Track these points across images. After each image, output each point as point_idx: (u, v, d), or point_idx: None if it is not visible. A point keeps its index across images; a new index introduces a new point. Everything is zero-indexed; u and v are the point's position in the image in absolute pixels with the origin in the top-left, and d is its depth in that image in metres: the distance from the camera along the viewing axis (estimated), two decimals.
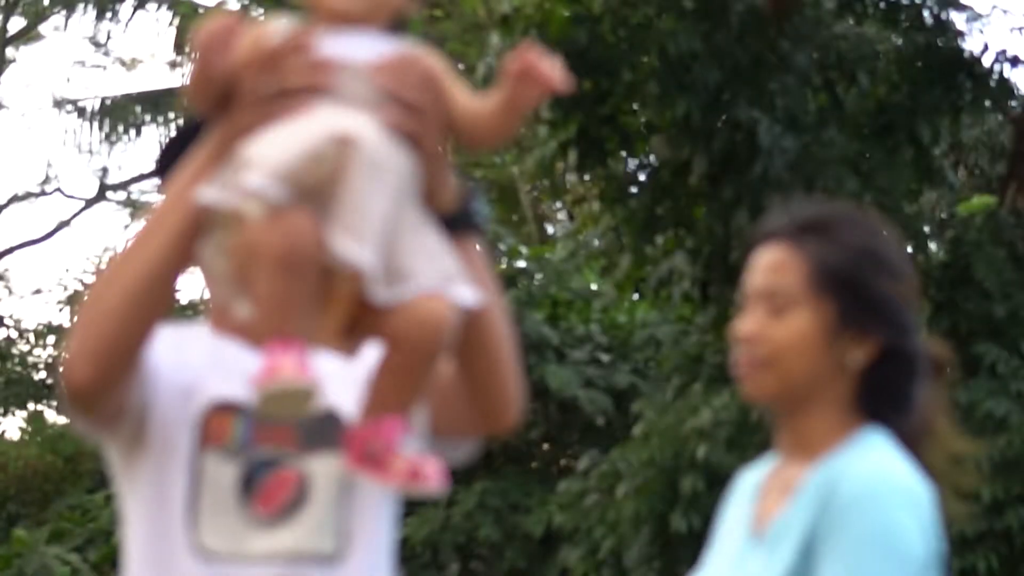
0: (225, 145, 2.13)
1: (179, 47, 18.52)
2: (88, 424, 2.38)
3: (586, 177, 10.34)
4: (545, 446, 13.57)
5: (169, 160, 2.49)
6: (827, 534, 2.29)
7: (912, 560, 2.27)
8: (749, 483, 2.60)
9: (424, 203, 2.14)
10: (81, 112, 18.67)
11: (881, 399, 2.45)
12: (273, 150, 2.04)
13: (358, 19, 2.13)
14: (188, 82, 2.15)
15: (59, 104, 19.59)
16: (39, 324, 19.24)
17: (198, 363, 2.45)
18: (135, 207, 20.63)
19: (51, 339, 18.78)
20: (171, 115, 17.76)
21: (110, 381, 2.27)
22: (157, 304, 2.23)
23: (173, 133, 2.61)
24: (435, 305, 2.08)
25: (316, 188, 2.03)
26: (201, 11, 18.41)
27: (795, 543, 2.34)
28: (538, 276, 13.53)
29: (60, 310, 20.91)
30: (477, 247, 2.27)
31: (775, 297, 2.44)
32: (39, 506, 14.31)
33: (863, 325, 2.43)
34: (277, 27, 2.14)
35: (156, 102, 17.82)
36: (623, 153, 10.18)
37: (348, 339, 2.16)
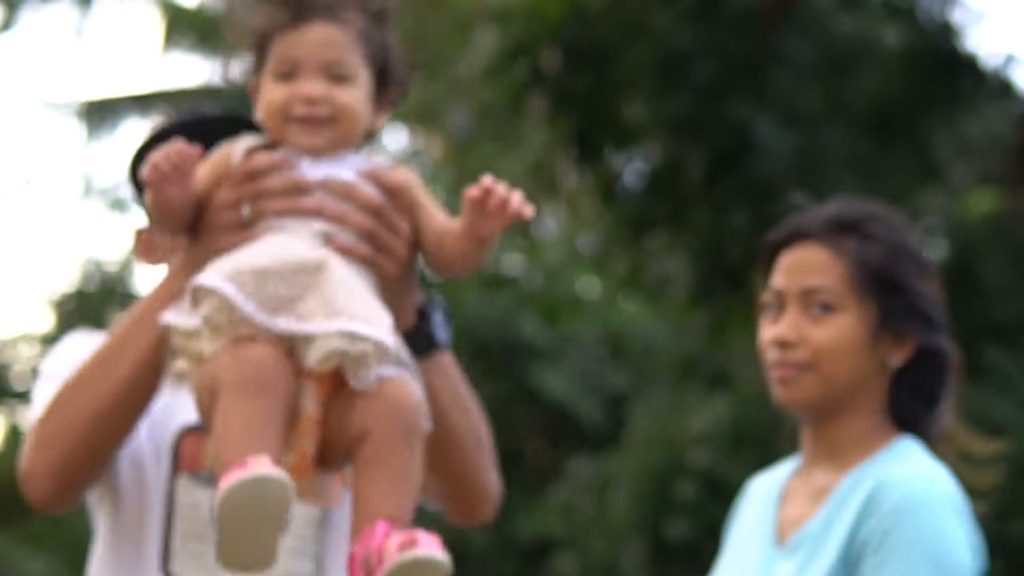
0: (197, 266, 2.05)
1: (164, 44, 18.43)
2: None
3: (580, 175, 10.29)
4: (537, 451, 13.57)
5: (141, 164, 2.38)
6: (875, 543, 2.29)
7: (961, 570, 2.28)
8: (766, 489, 2.56)
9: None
10: (64, 110, 18.60)
11: (914, 401, 2.44)
12: (233, 259, 1.98)
13: (326, 151, 2.08)
14: (147, 208, 2.08)
15: (42, 102, 19.49)
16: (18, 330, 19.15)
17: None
18: (119, 208, 20.59)
19: (31, 345, 18.69)
20: (157, 115, 17.69)
21: (72, 495, 2.24)
22: (124, 425, 2.19)
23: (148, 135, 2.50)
24: (400, 386, 1.99)
25: (275, 297, 1.96)
26: (187, 7, 18.30)
27: (836, 550, 2.32)
28: (531, 277, 13.53)
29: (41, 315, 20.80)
30: (446, 358, 2.24)
31: (815, 298, 2.40)
32: (16, 515, 14.40)
33: (903, 325, 2.41)
34: (242, 145, 2.10)
35: (142, 101, 17.74)
36: (618, 151, 10.12)
37: (319, 475, 2.05)
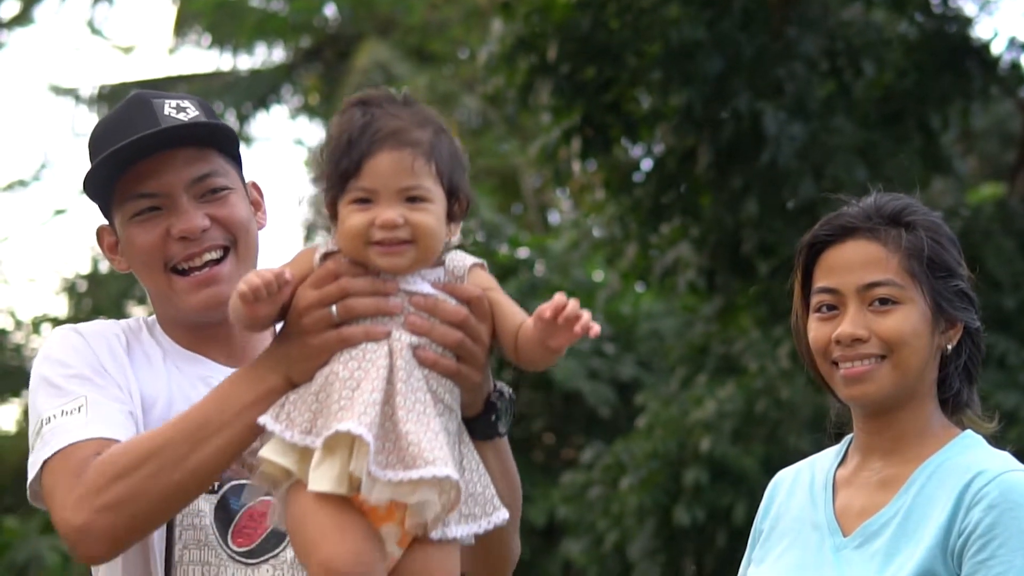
0: (289, 365, 2.14)
1: (176, 32, 18.43)
2: None
3: (590, 165, 10.26)
4: (548, 438, 13.55)
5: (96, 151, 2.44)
6: (981, 535, 2.31)
7: None
8: (807, 481, 2.55)
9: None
10: (78, 98, 18.61)
11: (961, 383, 2.47)
12: (355, 402, 2.07)
13: (406, 272, 2.16)
14: (234, 317, 2.17)
15: (56, 90, 19.51)
16: (34, 314, 19.17)
17: (162, 389, 2.40)
18: None
19: (46, 329, 18.71)
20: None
21: (120, 553, 2.27)
22: (192, 499, 2.25)
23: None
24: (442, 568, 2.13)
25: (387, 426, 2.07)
26: None
27: (930, 539, 2.34)
28: (540, 265, 13.49)
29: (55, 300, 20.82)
30: (502, 442, 2.31)
31: (876, 293, 2.40)
32: None
33: (954, 309, 2.43)
34: (319, 250, 2.18)
35: (153, 88, 17.76)
36: (627, 141, 10.10)
37: None
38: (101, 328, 2.46)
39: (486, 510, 2.14)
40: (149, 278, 2.44)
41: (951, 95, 10.01)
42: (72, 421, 2.30)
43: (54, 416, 2.31)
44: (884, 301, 2.40)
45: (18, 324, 18.64)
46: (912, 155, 10.03)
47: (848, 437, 2.55)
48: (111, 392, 2.35)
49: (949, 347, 2.44)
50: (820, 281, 2.45)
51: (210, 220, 2.41)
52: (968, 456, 2.39)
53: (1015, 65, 10.28)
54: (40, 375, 2.38)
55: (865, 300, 2.41)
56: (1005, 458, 2.40)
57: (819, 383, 2.51)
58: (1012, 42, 10.27)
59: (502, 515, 2.15)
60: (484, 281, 2.20)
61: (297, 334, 2.15)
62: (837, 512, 2.46)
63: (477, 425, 2.22)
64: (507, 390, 2.29)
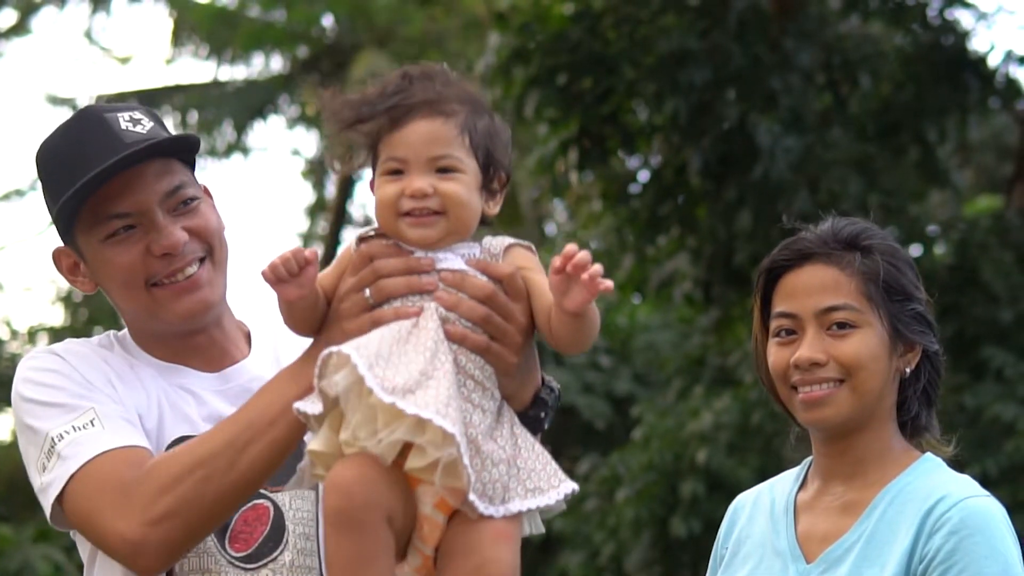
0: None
1: (173, 42, 18.46)
2: None
3: (587, 176, 10.27)
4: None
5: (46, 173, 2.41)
6: (942, 562, 2.32)
7: None
8: (767, 504, 2.55)
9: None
10: (75, 108, 18.63)
11: (920, 406, 2.47)
12: (358, 340, 2.05)
13: (438, 244, 2.14)
14: (282, 317, 2.16)
15: (53, 100, 19.52)
16: (30, 324, 19.15)
17: (149, 400, 2.40)
18: None
19: (42, 339, 18.71)
20: (165, 112, 17.70)
21: (177, 561, 2.27)
22: (243, 502, 2.26)
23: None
24: (500, 544, 2.07)
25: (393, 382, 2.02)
26: (195, 4, 18.31)
27: (894, 565, 2.35)
28: None
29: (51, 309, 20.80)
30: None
31: (834, 317, 2.41)
32: (29, 508, 14.45)
33: (912, 333, 2.44)
34: (355, 235, 2.17)
35: (151, 98, 17.76)
36: (624, 152, 10.11)
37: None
38: (76, 348, 2.44)
39: (552, 483, 2.08)
40: (128, 296, 2.42)
41: (948, 108, 10.04)
42: (88, 435, 2.29)
43: (66, 432, 2.30)
44: (842, 325, 2.41)
45: (14, 334, 18.61)
46: (909, 168, 10.04)
47: (807, 460, 2.55)
48: (112, 405, 2.34)
49: (908, 370, 2.45)
50: (778, 306, 2.46)
51: (187, 233, 2.40)
52: (930, 480, 2.40)
53: (1011, 78, 10.31)
54: (29, 398, 2.37)
55: (823, 324, 2.42)
56: (967, 483, 2.40)
57: (779, 407, 2.51)
58: (1009, 55, 10.29)
59: (570, 486, 2.10)
60: (522, 260, 2.17)
61: (336, 321, 2.15)
62: (800, 538, 2.47)
63: (524, 419, 2.17)
64: (556, 386, 2.25)
